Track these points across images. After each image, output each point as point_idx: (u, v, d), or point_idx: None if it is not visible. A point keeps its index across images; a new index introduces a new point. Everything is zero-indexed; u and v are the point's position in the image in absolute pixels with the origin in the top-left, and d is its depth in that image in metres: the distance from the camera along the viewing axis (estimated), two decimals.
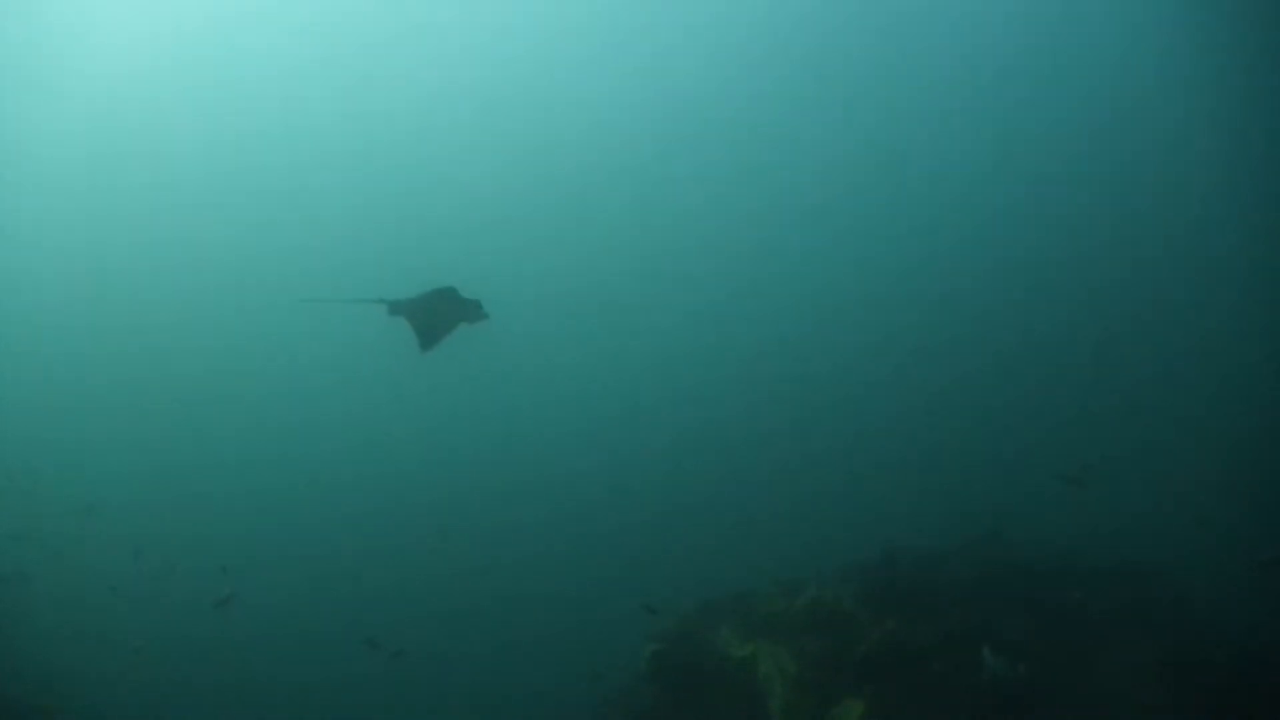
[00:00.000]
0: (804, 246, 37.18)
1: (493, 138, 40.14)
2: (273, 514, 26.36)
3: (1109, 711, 10.30)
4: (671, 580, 15.87)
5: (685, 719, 10.86)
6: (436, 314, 10.52)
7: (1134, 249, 30.15)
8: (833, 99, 37.79)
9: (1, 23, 29.32)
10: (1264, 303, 24.40)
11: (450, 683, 18.97)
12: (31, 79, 31.50)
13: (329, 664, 18.33)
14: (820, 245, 37.09)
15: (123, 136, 35.91)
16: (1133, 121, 32.49)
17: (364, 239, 38.52)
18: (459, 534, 23.28)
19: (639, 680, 12.14)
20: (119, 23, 32.94)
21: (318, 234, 38.79)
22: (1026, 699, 10.51)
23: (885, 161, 37.51)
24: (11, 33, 29.68)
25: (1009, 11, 34.28)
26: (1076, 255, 31.29)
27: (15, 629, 16.43)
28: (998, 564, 13.07)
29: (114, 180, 35.83)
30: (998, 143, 36.09)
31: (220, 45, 36.26)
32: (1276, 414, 19.75)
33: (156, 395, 31.60)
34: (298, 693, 17.45)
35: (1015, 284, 31.55)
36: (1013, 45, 34.85)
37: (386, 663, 13.86)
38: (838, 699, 9.67)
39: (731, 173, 39.02)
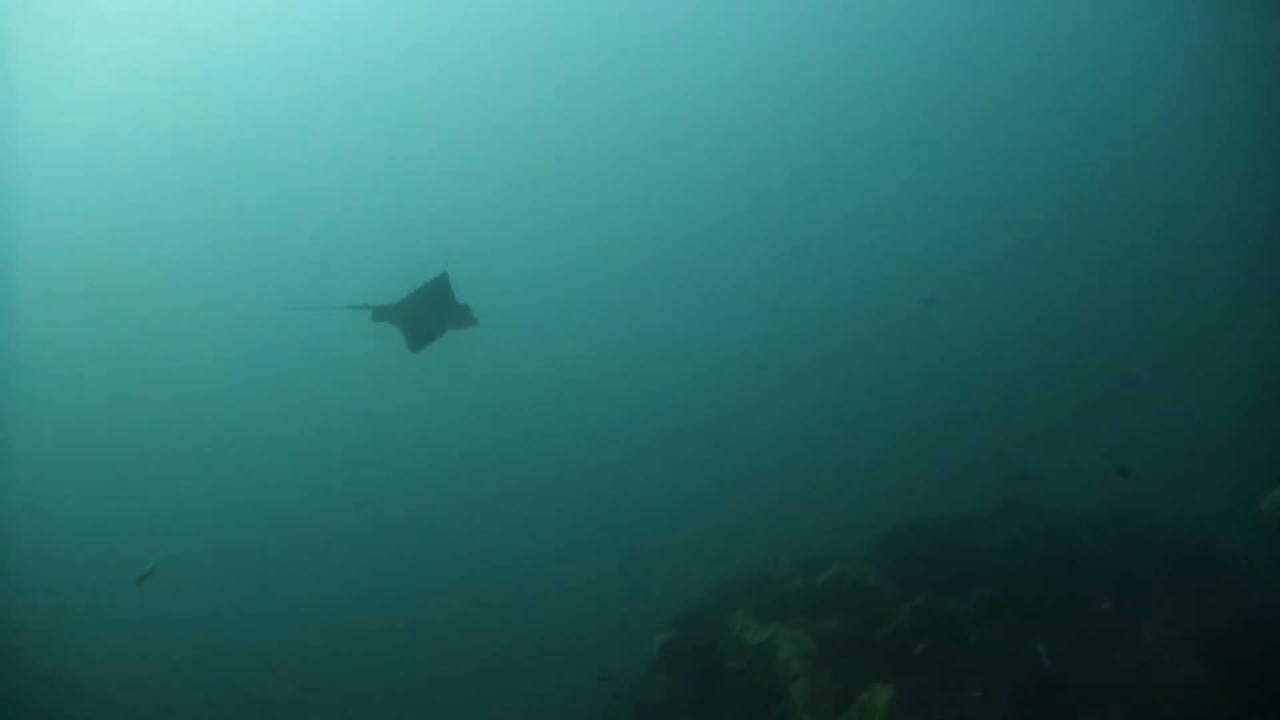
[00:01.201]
0: (834, 228, 36.48)
1: (490, 137, 39.49)
2: (268, 519, 25.71)
3: (1152, 686, 9.79)
4: (687, 565, 15.20)
5: (700, 711, 10.02)
6: (423, 320, 10.32)
7: (1159, 222, 29.49)
8: (841, 91, 37.36)
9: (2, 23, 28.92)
10: None
11: (462, 682, 18.34)
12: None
13: (329, 667, 17.72)
14: (851, 227, 36.37)
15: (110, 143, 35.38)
16: (1149, 114, 31.86)
17: (362, 241, 37.87)
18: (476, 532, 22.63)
19: (650, 672, 11.30)
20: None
21: (311, 236, 38.18)
22: (1069, 676, 9.85)
23: (887, 157, 36.85)
24: (11, 33, 29.27)
25: (1010, 9, 33.96)
26: (1098, 232, 30.76)
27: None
28: (1029, 529, 12.36)
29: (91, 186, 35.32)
30: (997, 137, 35.64)
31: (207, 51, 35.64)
32: None
33: (148, 399, 31.03)
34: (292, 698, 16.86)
35: (1034, 261, 30.99)
36: (1016, 42, 34.56)
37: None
38: (865, 683, 8.80)
39: (739, 167, 38.48)
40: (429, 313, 10.31)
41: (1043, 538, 12.17)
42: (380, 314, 10.34)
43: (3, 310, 32.16)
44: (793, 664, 9.05)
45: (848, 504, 18.39)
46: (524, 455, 27.32)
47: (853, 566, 10.38)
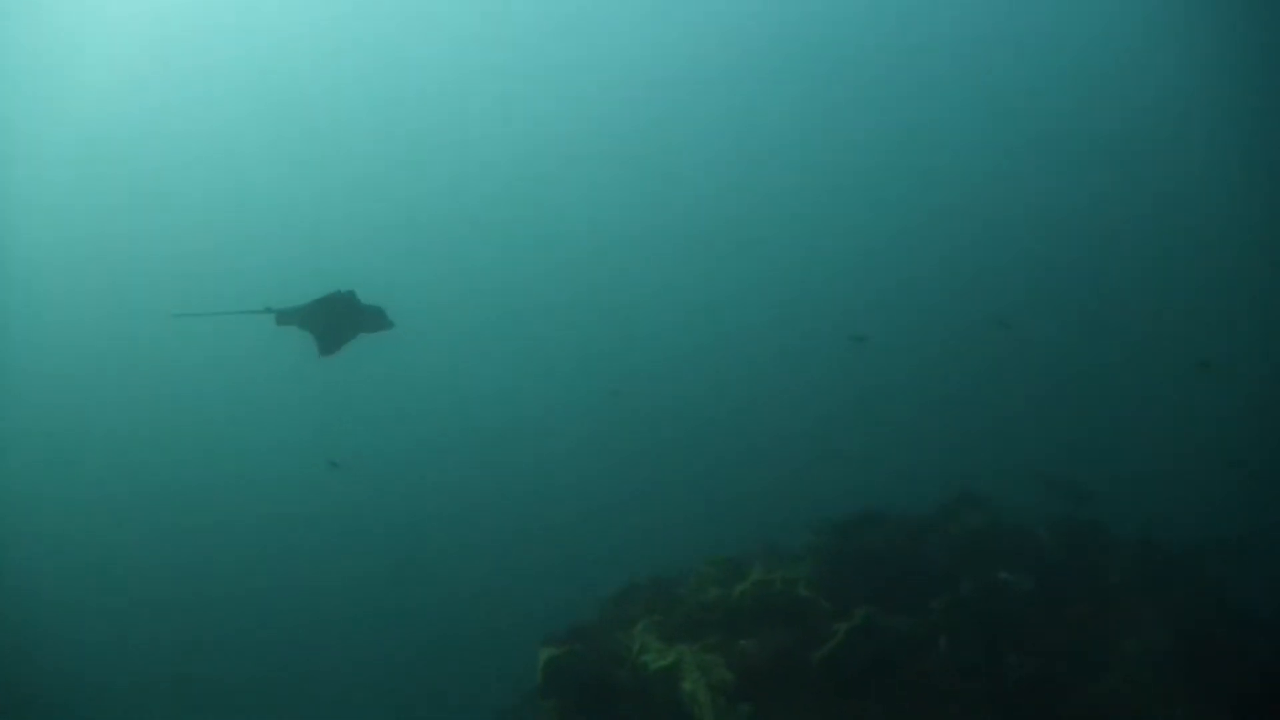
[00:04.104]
0: (790, 235, 35.41)
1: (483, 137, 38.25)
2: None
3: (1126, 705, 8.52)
4: (592, 567, 13.39)
5: None
6: (331, 323, 9.94)
7: (1138, 239, 29.11)
8: (837, 91, 36.72)
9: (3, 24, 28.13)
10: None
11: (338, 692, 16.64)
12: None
13: None
14: (804, 232, 35.42)
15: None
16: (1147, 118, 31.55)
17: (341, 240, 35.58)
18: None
19: (532, 697, 9.22)
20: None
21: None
22: (1038, 699, 8.35)
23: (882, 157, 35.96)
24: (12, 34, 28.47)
25: (1014, 9, 33.63)
26: (1084, 245, 30.11)
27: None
28: (987, 529, 10.64)
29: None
30: (992, 139, 34.97)
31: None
32: None
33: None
34: None
35: (1005, 275, 29.92)
36: (1019, 41, 34.13)
37: None
38: None
39: (726, 160, 37.36)
40: (338, 315, 9.85)
41: (1003, 538, 10.51)
42: (284, 318, 9.77)
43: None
44: (700, 698, 7.03)
45: (789, 504, 16.80)
46: (425, 452, 25.39)
47: (779, 572, 8.39)
